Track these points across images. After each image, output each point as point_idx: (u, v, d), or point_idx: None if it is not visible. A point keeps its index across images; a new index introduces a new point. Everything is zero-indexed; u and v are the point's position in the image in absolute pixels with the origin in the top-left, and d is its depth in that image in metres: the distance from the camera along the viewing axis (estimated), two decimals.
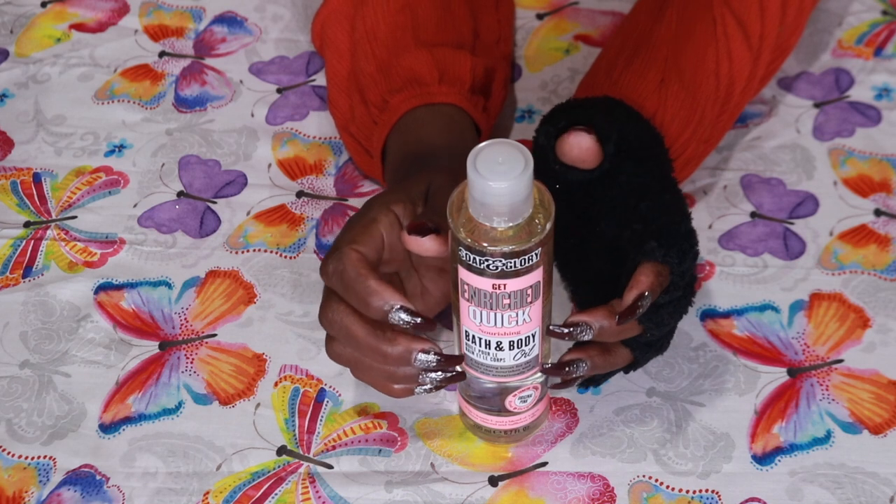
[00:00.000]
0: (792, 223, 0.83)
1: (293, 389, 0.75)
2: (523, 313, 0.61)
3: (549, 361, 0.66)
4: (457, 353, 0.66)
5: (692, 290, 0.69)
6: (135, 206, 0.86)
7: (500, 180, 0.56)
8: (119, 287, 0.80)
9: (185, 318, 0.78)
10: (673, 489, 0.69)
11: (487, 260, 0.58)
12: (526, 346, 0.63)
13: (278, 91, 0.94)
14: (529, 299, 0.61)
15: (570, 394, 0.73)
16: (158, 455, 0.72)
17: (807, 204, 0.84)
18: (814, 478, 0.70)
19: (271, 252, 0.82)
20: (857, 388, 0.74)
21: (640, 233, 0.66)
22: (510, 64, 0.90)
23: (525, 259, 0.59)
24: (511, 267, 0.59)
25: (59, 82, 0.95)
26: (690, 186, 0.85)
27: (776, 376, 0.74)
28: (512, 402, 0.67)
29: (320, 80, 0.94)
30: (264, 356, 0.76)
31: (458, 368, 0.65)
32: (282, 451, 0.72)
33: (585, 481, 0.70)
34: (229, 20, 1.00)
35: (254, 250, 0.82)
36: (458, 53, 0.79)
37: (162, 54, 0.97)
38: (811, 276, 0.79)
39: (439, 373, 0.64)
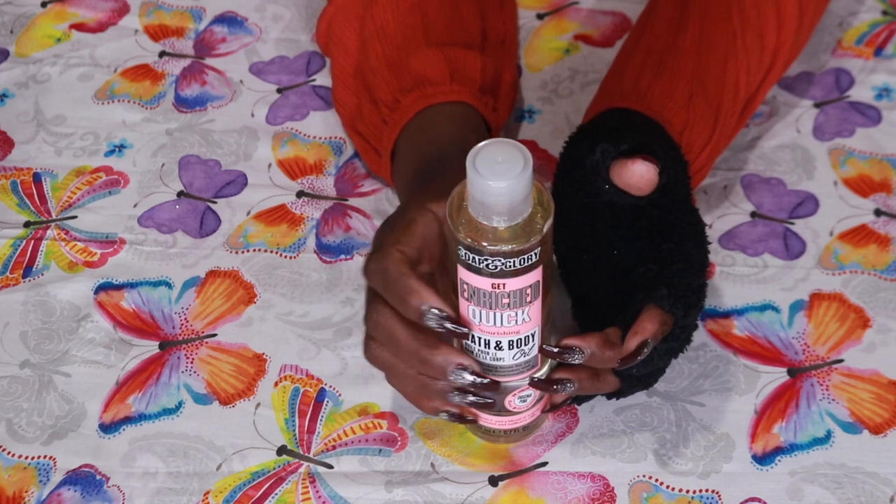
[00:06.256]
0: (792, 223, 0.83)
1: (293, 389, 0.75)
2: (522, 313, 0.61)
3: (541, 375, 0.66)
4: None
5: (689, 339, 0.69)
6: (135, 206, 0.86)
7: (499, 179, 0.56)
8: (119, 287, 0.80)
9: (186, 318, 0.79)
10: (673, 489, 0.69)
11: (486, 259, 0.58)
12: (525, 345, 0.63)
13: (278, 91, 0.94)
14: (529, 299, 0.61)
15: None
16: (158, 455, 0.72)
17: (807, 204, 0.84)
18: (814, 478, 0.70)
19: (271, 252, 0.82)
20: (857, 388, 0.74)
21: (654, 275, 0.66)
22: (516, 66, 0.90)
23: (524, 258, 0.58)
24: (510, 266, 0.59)
25: (59, 82, 0.95)
26: None
27: (776, 376, 0.74)
28: (511, 401, 0.67)
29: (320, 80, 0.94)
30: (264, 356, 0.76)
31: (484, 398, 0.64)
32: (282, 450, 0.72)
33: (585, 481, 0.70)
34: (229, 20, 1.00)
35: (254, 250, 0.82)
36: (469, 53, 0.79)
37: (162, 54, 0.97)
38: (811, 276, 0.79)
39: (469, 396, 0.64)
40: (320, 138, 0.90)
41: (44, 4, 1.02)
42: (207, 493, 0.70)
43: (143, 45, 0.98)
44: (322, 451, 0.72)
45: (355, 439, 0.72)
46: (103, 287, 0.81)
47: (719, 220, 0.83)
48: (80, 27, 0.99)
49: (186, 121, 0.92)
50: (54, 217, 0.85)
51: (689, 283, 0.66)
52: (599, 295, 0.69)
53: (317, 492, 0.70)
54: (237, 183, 0.87)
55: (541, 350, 0.64)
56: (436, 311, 0.60)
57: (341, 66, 0.84)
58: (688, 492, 0.69)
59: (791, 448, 0.71)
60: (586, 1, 1.00)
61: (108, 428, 0.73)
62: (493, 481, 0.70)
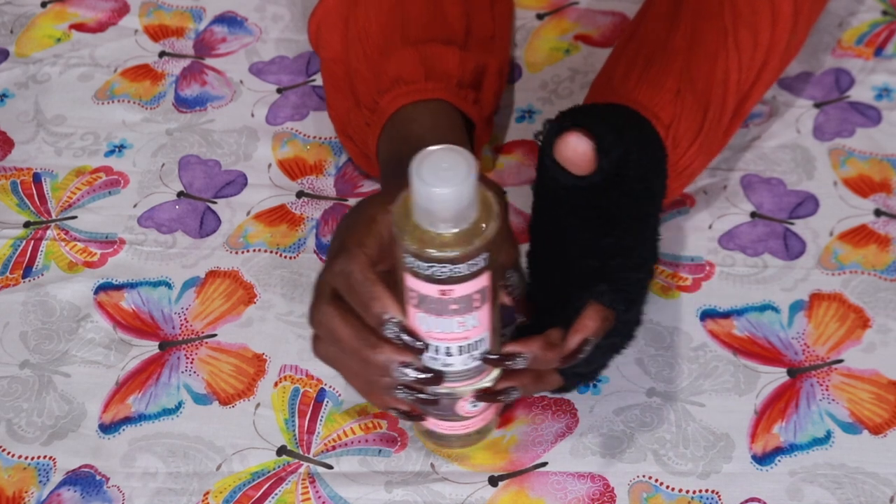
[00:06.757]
0: (792, 223, 0.83)
1: (293, 389, 0.75)
2: (471, 318, 0.61)
3: (493, 378, 0.66)
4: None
5: (631, 335, 0.70)
6: (135, 206, 0.86)
7: (443, 186, 0.56)
8: (119, 287, 0.81)
9: (185, 318, 0.79)
10: (673, 489, 0.69)
11: (433, 266, 0.58)
12: (475, 350, 0.63)
13: (278, 91, 0.94)
14: (477, 304, 0.60)
15: (570, 394, 0.73)
16: (158, 455, 0.72)
17: (807, 204, 0.84)
18: (814, 478, 0.70)
19: (271, 252, 0.82)
20: (856, 389, 0.74)
21: (594, 270, 0.66)
22: (507, 58, 0.90)
23: (471, 264, 0.58)
24: (457, 272, 0.58)
25: (59, 82, 0.95)
26: (691, 186, 0.85)
27: (776, 376, 0.74)
28: (463, 406, 0.66)
29: (320, 79, 0.94)
30: (264, 356, 0.76)
31: (431, 395, 0.64)
32: (282, 451, 0.72)
33: (585, 481, 0.70)
34: (229, 20, 1.00)
35: (254, 250, 0.82)
36: (446, 49, 0.79)
37: (162, 54, 0.97)
38: (811, 276, 0.79)
39: (414, 393, 0.64)
40: (320, 138, 0.90)
41: (44, 4, 1.02)
42: (207, 493, 0.70)
43: (143, 45, 0.98)
44: (322, 452, 0.72)
45: (355, 439, 0.72)
46: (103, 287, 0.81)
47: (719, 220, 0.83)
48: (80, 27, 0.99)
49: (186, 121, 0.92)
50: (54, 217, 0.85)
51: (629, 278, 0.67)
52: (548, 283, 0.69)
53: (317, 492, 0.70)
54: (237, 183, 0.87)
55: (484, 360, 0.64)
56: (395, 324, 0.61)
57: (331, 70, 0.84)
58: (688, 492, 0.69)
59: (791, 448, 0.71)
60: (586, 1, 1.00)
61: (107, 428, 0.73)
62: (493, 481, 0.70)
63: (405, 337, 0.61)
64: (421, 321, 0.61)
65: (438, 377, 0.63)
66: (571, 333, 0.64)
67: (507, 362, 0.64)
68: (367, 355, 0.62)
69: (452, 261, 0.58)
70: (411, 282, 0.60)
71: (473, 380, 0.65)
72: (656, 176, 0.72)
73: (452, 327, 0.61)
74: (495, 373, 0.66)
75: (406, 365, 0.62)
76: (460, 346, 0.62)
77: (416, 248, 0.58)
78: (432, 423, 0.68)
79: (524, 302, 0.66)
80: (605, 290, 0.65)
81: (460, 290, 0.59)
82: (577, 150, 0.67)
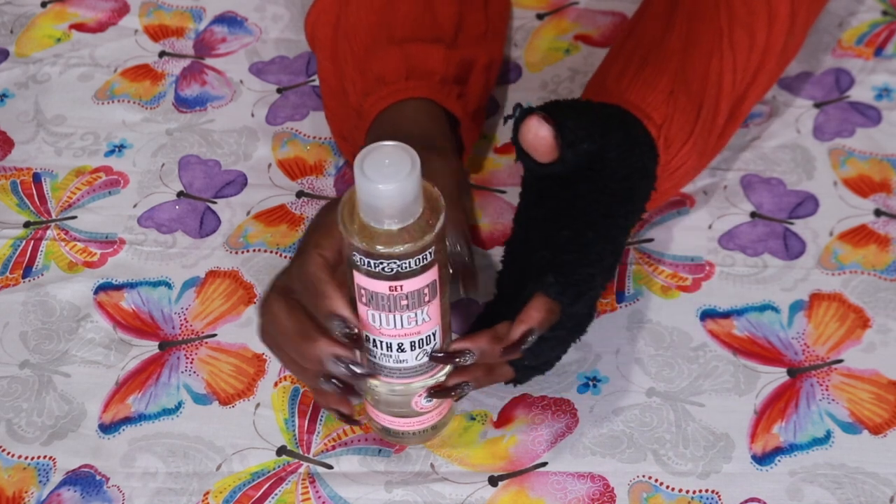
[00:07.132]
0: (792, 223, 0.83)
1: (293, 389, 0.75)
2: (422, 313, 0.61)
3: (435, 382, 0.66)
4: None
5: (581, 329, 0.70)
6: (135, 206, 0.86)
7: (387, 182, 0.56)
8: (119, 287, 0.81)
9: (185, 318, 0.79)
10: (673, 489, 0.69)
11: (382, 262, 0.58)
12: (427, 345, 0.63)
13: (278, 91, 0.94)
14: (427, 298, 0.61)
15: (570, 394, 0.73)
16: (158, 455, 0.72)
17: (807, 204, 0.84)
18: (814, 478, 0.70)
19: (271, 252, 0.82)
20: (856, 389, 0.74)
21: (546, 261, 0.67)
22: (498, 53, 0.89)
23: (419, 258, 0.59)
24: (406, 267, 0.59)
25: (59, 82, 0.95)
26: (691, 186, 0.85)
27: (776, 376, 0.74)
28: (418, 402, 0.67)
29: None
30: (264, 356, 0.76)
31: (356, 392, 0.64)
32: (282, 451, 0.72)
33: (585, 481, 0.70)
34: (229, 20, 1.00)
35: (254, 250, 0.82)
36: (431, 47, 0.79)
37: (162, 54, 0.97)
38: (811, 276, 0.79)
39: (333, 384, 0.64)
40: (320, 138, 0.90)
41: (44, 4, 1.02)
42: (207, 493, 0.70)
43: (143, 45, 0.98)
44: (322, 452, 0.72)
45: (355, 439, 0.72)
46: (103, 287, 0.81)
47: (719, 220, 0.83)
48: (80, 27, 0.99)
49: (186, 121, 0.92)
50: (54, 217, 0.85)
51: (579, 272, 0.67)
52: (513, 279, 0.69)
53: (316, 492, 0.70)
54: (237, 183, 0.87)
55: (432, 358, 0.64)
56: (340, 322, 0.61)
57: (326, 71, 0.84)
58: (688, 492, 0.69)
59: (791, 448, 0.71)
60: (586, 1, 1.00)
61: (107, 428, 0.73)
62: (493, 481, 0.70)
63: (349, 333, 0.61)
64: (372, 319, 0.61)
65: (368, 374, 0.63)
66: (516, 324, 0.64)
67: (455, 360, 0.64)
68: (302, 346, 0.63)
69: (399, 256, 0.58)
70: (360, 279, 0.60)
71: (425, 375, 0.65)
72: (641, 177, 0.72)
73: (403, 323, 0.61)
74: (448, 367, 0.66)
75: (338, 358, 0.62)
76: (412, 342, 0.63)
77: (363, 245, 0.58)
78: (387, 420, 0.68)
79: (469, 273, 0.66)
80: (552, 282, 0.65)
81: (409, 285, 0.59)
82: (537, 135, 0.67)
